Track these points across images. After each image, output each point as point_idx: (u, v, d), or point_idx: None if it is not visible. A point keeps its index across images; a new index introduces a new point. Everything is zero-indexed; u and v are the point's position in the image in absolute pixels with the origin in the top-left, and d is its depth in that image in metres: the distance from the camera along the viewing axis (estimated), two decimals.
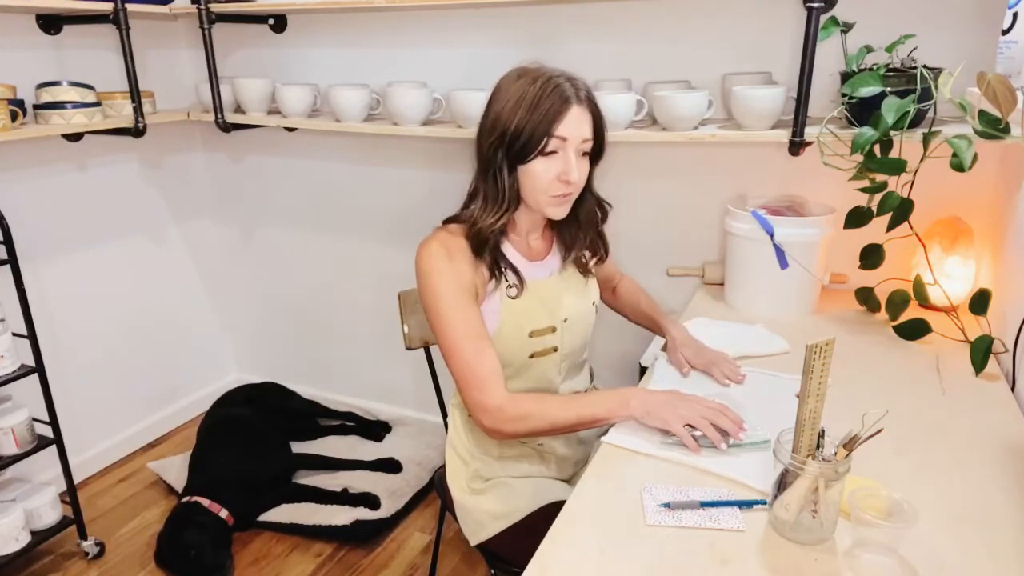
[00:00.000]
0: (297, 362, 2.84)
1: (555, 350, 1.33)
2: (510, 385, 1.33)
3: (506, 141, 1.18)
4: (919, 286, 1.56)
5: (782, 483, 0.91)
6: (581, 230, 1.36)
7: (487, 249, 1.25)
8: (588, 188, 1.31)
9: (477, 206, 1.25)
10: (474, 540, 1.38)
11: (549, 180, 1.19)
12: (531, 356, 1.31)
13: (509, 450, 1.38)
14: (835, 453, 0.89)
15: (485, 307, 1.27)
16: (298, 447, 2.42)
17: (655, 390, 1.20)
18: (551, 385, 1.38)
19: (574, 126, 1.17)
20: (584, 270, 1.39)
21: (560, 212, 1.25)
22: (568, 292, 1.35)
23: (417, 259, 1.25)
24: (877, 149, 1.46)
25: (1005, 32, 1.26)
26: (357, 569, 2.00)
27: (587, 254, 1.40)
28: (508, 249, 1.30)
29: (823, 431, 0.90)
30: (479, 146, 1.25)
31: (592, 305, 1.40)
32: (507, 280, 1.27)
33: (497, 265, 1.26)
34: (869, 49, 1.54)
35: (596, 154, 1.26)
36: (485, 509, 1.36)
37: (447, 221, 1.32)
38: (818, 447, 0.90)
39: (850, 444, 0.88)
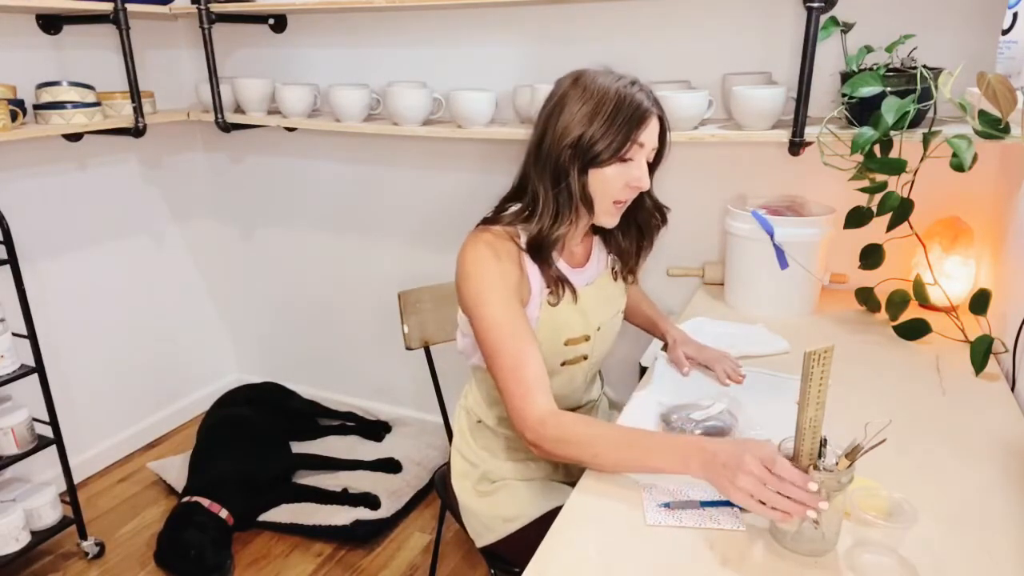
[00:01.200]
0: (297, 362, 2.84)
1: (585, 358, 1.32)
2: None
3: (581, 147, 1.14)
4: (919, 286, 1.56)
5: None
6: (638, 236, 1.34)
7: (552, 260, 1.23)
8: (647, 192, 1.27)
9: (544, 215, 1.18)
10: (481, 542, 1.37)
11: (620, 186, 1.17)
12: (562, 364, 1.30)
13: (516, 453, 1.38)
14: (837, 463, 0.87)
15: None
16: (298, 447, 2.42)
17: (717, 443, 0.98)
18: (575, 393, 1.37)
19: (652, 134, 1.17)
20: (625, 276, 1.38)
21: (615, 220, 1.23)
22: (602, 300, 1.34)
23: (461, 260, 1.19)
24: (877, 149, 1.47)
25: (1005, 32, 1.26)
26: (357, 569, 2.00)
27: (635, 260, 1.37)
28: (555, 257, 1.27)
29: (825, 439, 0.89)
30: (545, 154, 1.18)
31: (620, 313, 1.39)
32: (550, 287, 1.24)
33: (560, 278, 1.24)
34: (869, 49, 1.54)
35: (656, 160, 1.24)
36: (493, 512, 1.35)
37: (485, 222, 1.26)
38: (820, 456, 0.88)
39: (852, 454, 0.86)
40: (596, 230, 1.35)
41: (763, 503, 0.88)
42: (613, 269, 1.37)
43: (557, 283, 1.23)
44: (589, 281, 1.32)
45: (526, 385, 1.12)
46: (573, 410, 1.38)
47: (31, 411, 1.92)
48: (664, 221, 1.34)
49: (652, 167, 1.23)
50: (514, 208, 1.24)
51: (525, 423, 1.11)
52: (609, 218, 1.23)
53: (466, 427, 1.42)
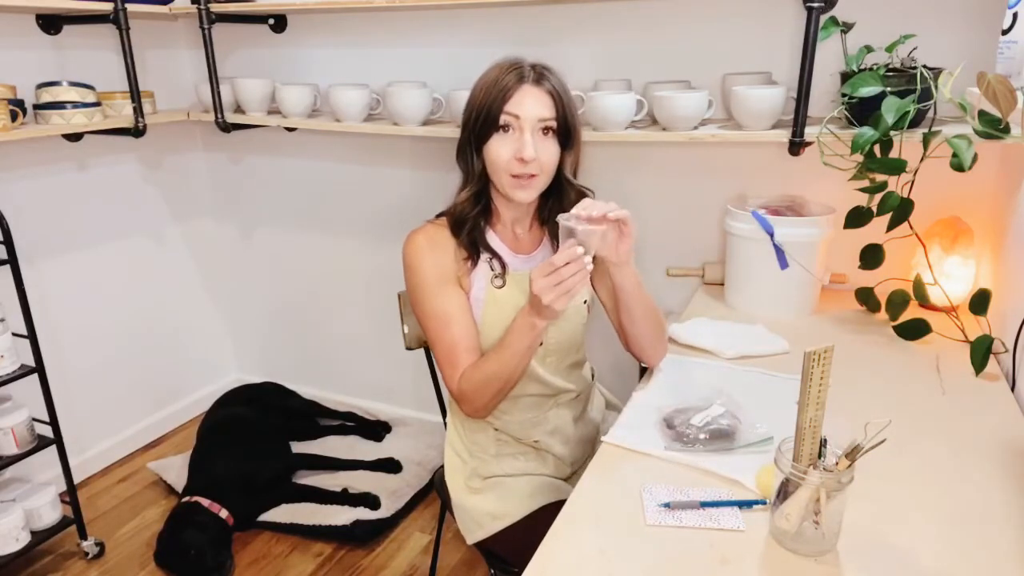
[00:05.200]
0: (297, 362, 2.84)
1: (540, 344, 1.32)
2: None
3: (470, 122, 1.25)
4: (919, 286, 1.56)
5: (784, 492, 0.90)
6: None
7: (464, 231, 1.29)
8: (565, 178, 1.31)
9: (457, 193, 1.31)
10: (471, 539, 1.38)
11: (507, 159, 1.22)
12: None
13: (506, 448, 1.39)
14: (837, 463, 0.87)
15: (470, 297, 1.30)
16: (298, 447, 2.42)
17: (530, 301, 1.15)
18: (542, 382, 1.37)
19: (526, 104, 1.21)
20: None
21: (524, 195, 1.26)
22: None
23: (403, 251, 1.30)
24: (877, 149, 1.46)
25: (1005, 32, 1.26)
26: (357, 569, 2.00)
27: None
28: (493, 239, 1.33)
29: (825, 440, 0.89)
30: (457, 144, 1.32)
31: (583, 303, 1.39)
32: (493, 269, 1.30)
33: (475, 247, 1.30)
34: (869, 49, 1.54)
35: (566, 139, 1.27)
36: (483, 509, 1.36)
37: (440, 215, 1.36)
38: (820, 456, 0.88)
39: (852, 454, 0.86)
40: (543, 218, 1.38)
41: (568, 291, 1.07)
42: None
43: (475, 257, 1.29)
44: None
45: (460, 368, 1.26)
46: (549, 399, 1.40)
47: (31, 411, 1.92)
48: None
49: (566, 145, 1.27)
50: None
51: (461, 394, 1.26)
52: (517, 192, 1.26)
53: (458, 421, 1.43)
